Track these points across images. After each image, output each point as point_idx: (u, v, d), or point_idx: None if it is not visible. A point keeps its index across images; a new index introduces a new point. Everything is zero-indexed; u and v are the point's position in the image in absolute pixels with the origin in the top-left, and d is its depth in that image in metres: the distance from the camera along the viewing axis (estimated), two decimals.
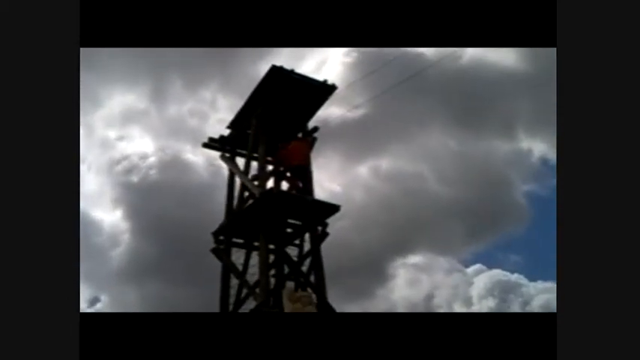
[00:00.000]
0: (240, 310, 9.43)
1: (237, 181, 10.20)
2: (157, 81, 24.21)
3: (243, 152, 10.37)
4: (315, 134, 10.43)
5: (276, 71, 9.53)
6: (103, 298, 25.06)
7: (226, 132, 10.65)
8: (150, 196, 23.12)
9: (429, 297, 25.37)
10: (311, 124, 10.54)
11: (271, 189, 9.66)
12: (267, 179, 9.83)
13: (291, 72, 9.65)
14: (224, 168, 10.85)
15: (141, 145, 27.02)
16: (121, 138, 26.11)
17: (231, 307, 9.42)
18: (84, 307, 24.32)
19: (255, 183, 9.68)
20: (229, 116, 10.70)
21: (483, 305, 24.88)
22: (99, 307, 23.77)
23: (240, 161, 10.39)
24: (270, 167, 10.10)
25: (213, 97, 25.19)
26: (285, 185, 9.96)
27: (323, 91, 9.97)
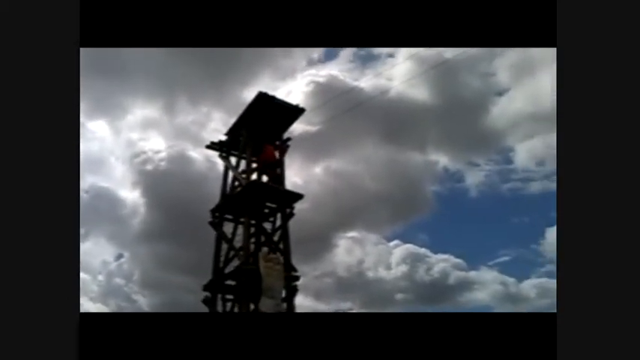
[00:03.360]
0: (227, 268, 12.16)
1: (230, 173, 13.32)
2: (168, 97, 31.34)
3: (235, 153, 13.49)
4: (288, 143, 13.62)
5: (262, 96, 12.87)
6: (126, 254, 32.99)
7: (223, 137, 13.85)
8: (160, 181, 30.01)
9: (361, 262, 33.18)
10: (285, 135, 13.72)
11: (255, 180, 12.74)
12: (252, 173, 12.92)
13: (273, 97, 12.99)
14: (218, 164, 13.95)
15: (155, 144, 33.12)
16: (141, 139, 32.90)
17: (221, 265, 12.39)
18: (111, 260, 31.82)
19: (243, 176, 12.79)
20: (220, 125, 14.30)
21: (398, 270, 33.28)
22: (122, 261, 31.99)
23: (232, 159, 13.53)
24: (254, 165, 13.14)
25: (208, 111, 32.74)
26: (265, 178, 13.04)
27: (295, 112, 13.28)
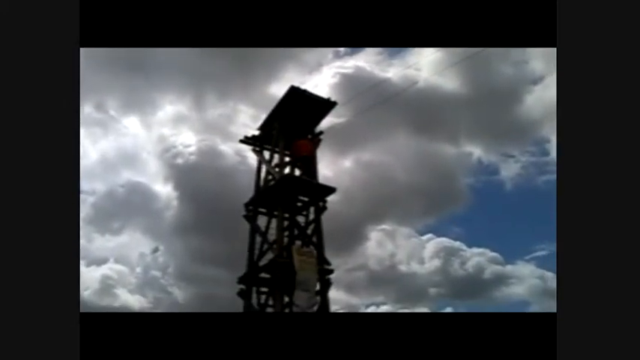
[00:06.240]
0: (262, 262, 12.34)
1: (263, 167, 13.50)
2: (196, 93, 32.06)
3: (268, 147, 13.64)
4: (320, 137, 13.62)
5: (293, 90, 12.97)
6: (161, 247, 33.88)
7: (251, 131, 14.06)
8: (191, 174, 30.46)
9: (392, 255, 32.74)
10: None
11: (288, 174, 12.92)
12: (284, 167, 13.09)
13: (305, 91, 13.07)
14: (249, 157, 14.22)
15: (185, 139, 33.74)
16: (172, 135, 33.60)
17: (255, 258, 12.55)
18: (147, 253, 33.02)
19: (277, 169, 12.98)
20: (248, 119, 14.07)
21: (432, 264, 32.75)
22: (158, 254, 32.94)
23: (266, 153, 13.68)
24: (287, 158, 13.31)
25: (235, 105, 33.29)
26: (297, 171, 13.20)
27: (327, 105, 13.32)
